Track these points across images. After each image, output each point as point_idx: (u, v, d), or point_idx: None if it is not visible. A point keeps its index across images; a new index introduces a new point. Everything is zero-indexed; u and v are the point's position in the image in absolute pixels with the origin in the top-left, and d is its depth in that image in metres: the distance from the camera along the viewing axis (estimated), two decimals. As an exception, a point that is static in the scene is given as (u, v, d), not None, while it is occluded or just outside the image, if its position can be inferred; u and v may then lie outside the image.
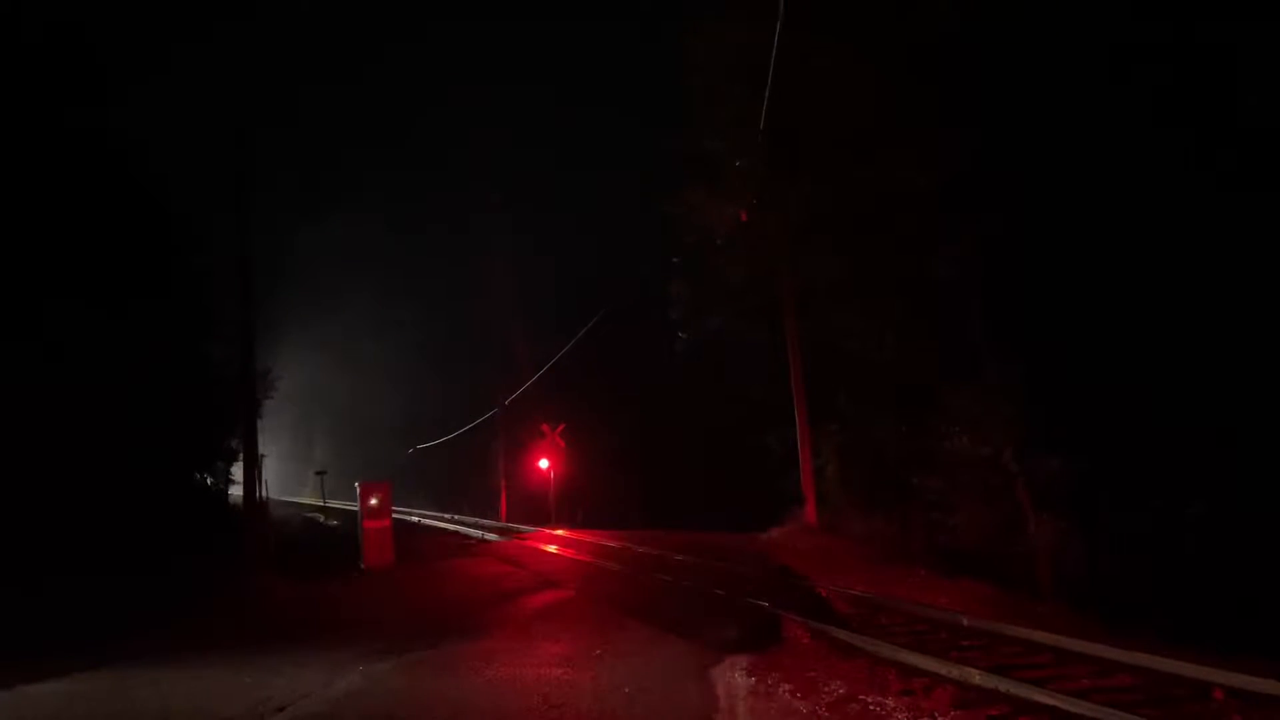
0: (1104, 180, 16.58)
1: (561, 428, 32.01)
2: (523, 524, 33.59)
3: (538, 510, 36.20)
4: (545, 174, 58.19)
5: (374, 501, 18.77)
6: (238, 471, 20.76)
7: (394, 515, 20.29)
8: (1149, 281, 16.28)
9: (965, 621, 9.73)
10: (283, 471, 68.04)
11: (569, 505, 35.38)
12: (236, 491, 21.67)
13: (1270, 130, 14.15)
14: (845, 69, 19.85)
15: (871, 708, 6.65)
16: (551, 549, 21.46)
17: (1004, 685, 6.90)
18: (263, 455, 19.91)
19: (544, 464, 31.72)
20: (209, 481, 21.46)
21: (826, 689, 7.15)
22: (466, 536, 28.23)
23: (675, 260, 25.80)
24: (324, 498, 38.11)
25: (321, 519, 35.07)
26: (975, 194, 18.08)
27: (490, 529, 30.96)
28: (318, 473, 36.56)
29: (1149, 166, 15.85)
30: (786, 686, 7.26)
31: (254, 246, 16.97)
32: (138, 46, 17.14)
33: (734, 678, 7.66)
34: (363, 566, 18.24)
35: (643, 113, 42.32)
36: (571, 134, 63.73)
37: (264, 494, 18.30)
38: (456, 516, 40.73)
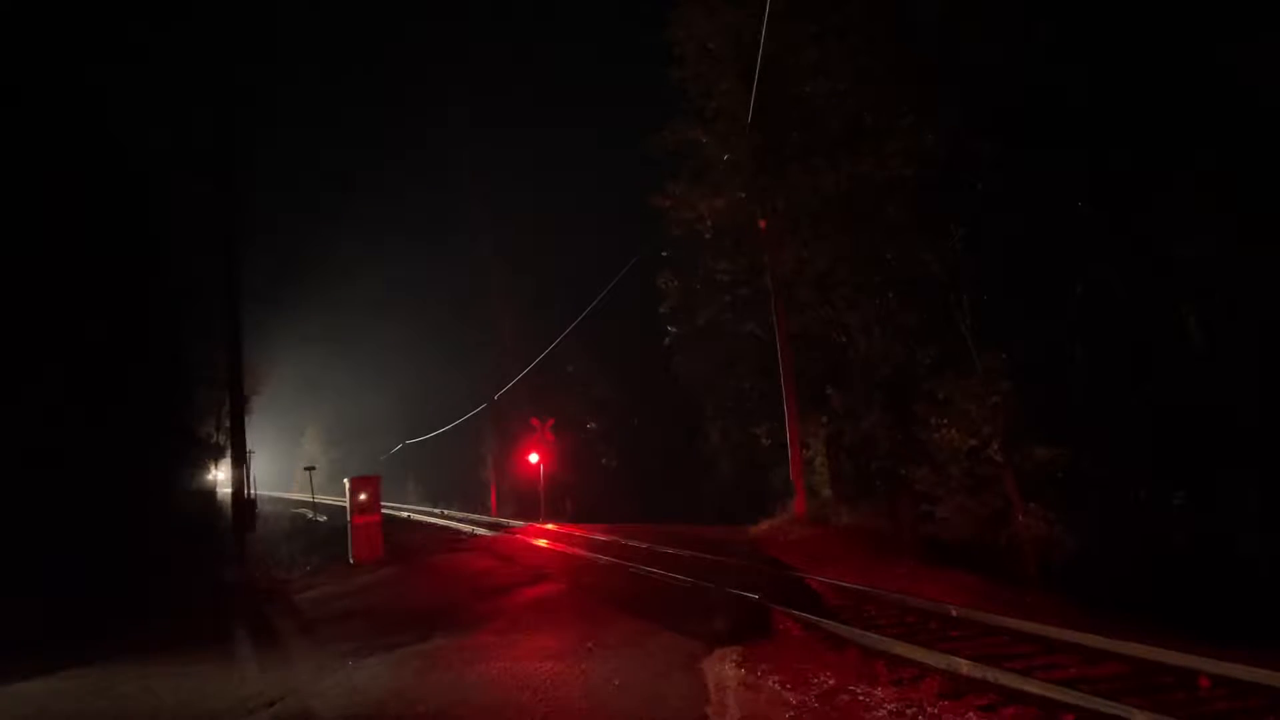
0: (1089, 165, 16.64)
1: (551, 422, 31.98)
2: (513, 518, 33.62)
3: (528, 504, 36.23)
4: (544, 171, 58.21)
5: (363, 497, 18.73)
6: (226, 468, 20.66)
7: (384, 510, 20.26)
8: (1134, 278, 16.39)
9: (954, 612, 9.77)
10: (271, 467, 67.79)
11: (559, 499, 35.43)
12: (224, 489, 21.59)
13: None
14: (833, 60, 19.86)
15: (860, 698, 6.68)
16: (541, 543, 21.45)
17: (992, 675, 6.94)
18: (251, 451, 19.84)
19: (534, 458, 31.70)
20: (195, 478, 21.34)
21: (816, 680, 7.18)
22: (457, 531, 28.20)
23: (664, 254, 25.84)
24: (313, 493, 37.93)
25: (310, 514, 34.97)
26: (962, 185, 18.15)
27: (480, 523, 30.96)
28: (307, 468, 36.35)
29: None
30: (776, 678, 7.28)
31: (241, 233, 16.85)
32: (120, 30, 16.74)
33: (724, 669, 7.68)
34: (352, 561, 18.21)
35: (638, 101, 42.42)
36: (569, 127, 63.69)
37: (252, 490, 18.24)
38: (447, 511, 40.71)
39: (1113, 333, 16.88)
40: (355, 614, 12.60)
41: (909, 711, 6.29)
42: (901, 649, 8.02)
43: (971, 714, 6.24)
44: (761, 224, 21.61)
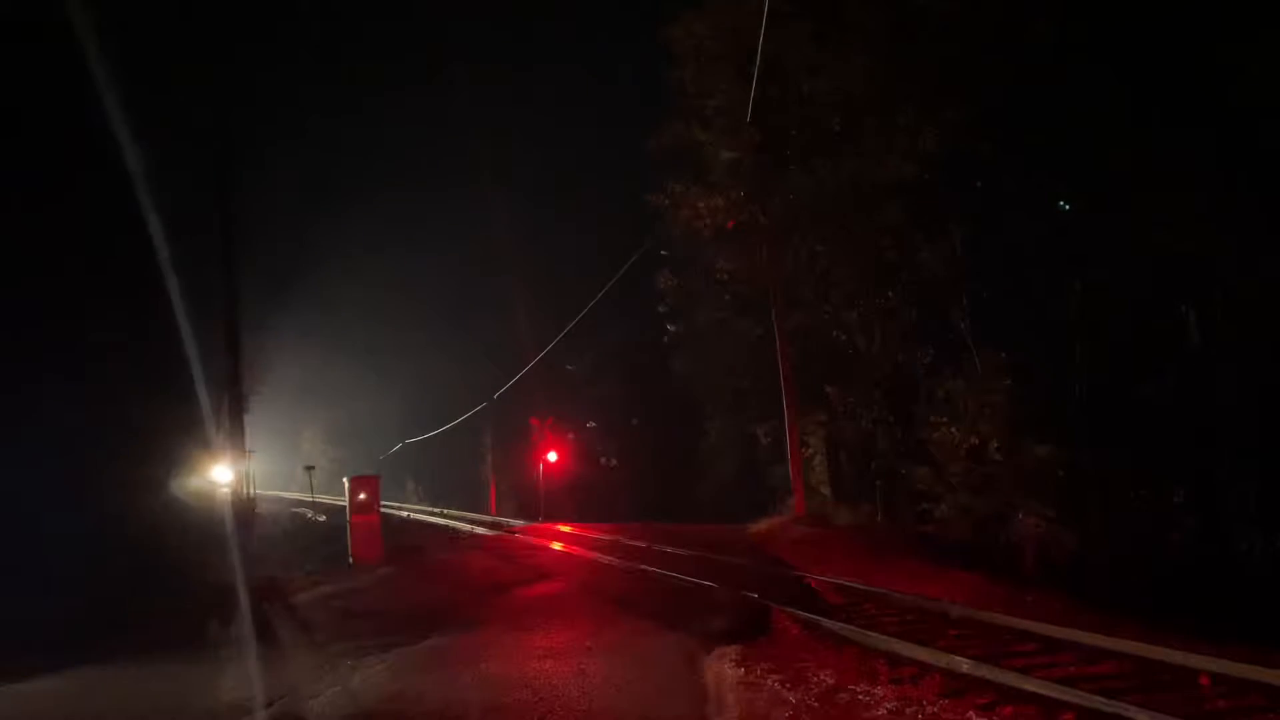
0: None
1: (550, 421, 31.98)
2: (513, 518, 33.61)
3: (528, 504, 36.24)
4: (544, 170, 58.18)
5: (362, 496, 18.70)
6: (225, 467, 20.60)
7: (383, 510, 20.22)
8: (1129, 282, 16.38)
9: (953, 611, 9.76)
10: (271, 467, 67.51)
11: (559, 498, 35.42)
12: (224, 488, 21.51)
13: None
14: (833, 59, 19.84)
15: (860, 697, 6.66)
16: (541, 542, 21.45)
17: (991, 674, 6.92)
18: (250, 451, 19.79)
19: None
20: (194, 477, 21.26)
21: (815, 679, 7.16)
22: (456, 531, 28.20)
23: (663, 253, 25.82)
24: (313, 493, 37.86)
25: (309, 514, 34.90)
26: (962, 185, 18.14)
27: (480, 523, 30.95)
28: (306, 468, 36.31)
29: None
30: (776, 677, 7.25)
31: (240, 233, 16.77)
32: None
33: (723, 669, 7.66)
34: (351, 561, 18.18)
35: (639, 99, 42.48)
36: (571, 127, 63.69)
37: (251, 490, 18.21)
38: (447, 511, 40.67)
39: (1112, 332, 16.87)
40: (354, 614, 12.57)
41: (909, 710, 6.28)
42: (901, 648, 8.00)
43: (971, 712, 6.22)
44: (761, 223, 21.60)
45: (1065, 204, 17.72)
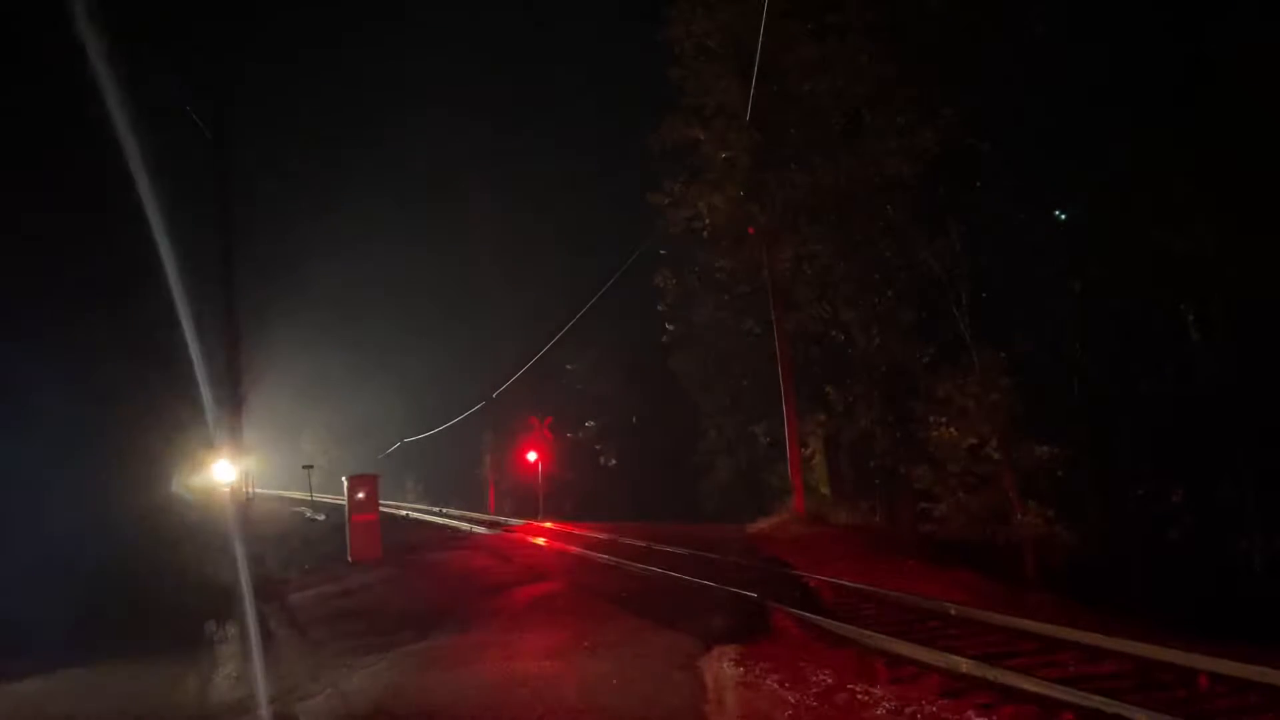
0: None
1: (549, 420, 31.94)
2: (511, 517, 33.55)
3: (526, 503, 36.18)
4: (544, 169, 58.01)
5: (361, 495, 18.69)
6: (223, 466, 20.58)
7: (382, 509, 20.20)
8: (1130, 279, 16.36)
9: (953, 610, 9.74)
10: (271, 466, 67.55)
11: (557, 498, 35.40)
12: (223, 487, 21.48)
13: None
14: (832, 58, 19.83)
15: (859, 697, 6.64)
16: (540, 541, 21.42)
17: (991, 673, 6.91)
18: (249, 449, 19.77)
19: (532, 456, 31.63)
20: (193, 475, 21.25)
21: (814, 679, 7.14)
22: (455, 530, 28.16)
23: (662, 251, 25.79)
24: (311, 492, 37.84)
25: (308, 513, 34.87)
26: (962, 183, 18.13)
27: (479, 522, 30.91)
28: (305, 467, 36.29)
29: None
30: (775, 677, 7.24)
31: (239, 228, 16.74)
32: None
33: (722, 668, 7.64)
34: (350, 560, 18.17)
35: (638, 98, 42.38)
36: (572, 127, 63.52)
37: (250, 489, 18.18)
38: (445, 510, 40.63)
39: (1112, 331, 16.87)
40: (353, 613, 12.55)
41: (908, 710, 6.26)
42: (900, 647, 7.99)
43: (971, 712, 6.20)
44: (760, 222, 21.58)
45: (1063, 210, 17.77)
